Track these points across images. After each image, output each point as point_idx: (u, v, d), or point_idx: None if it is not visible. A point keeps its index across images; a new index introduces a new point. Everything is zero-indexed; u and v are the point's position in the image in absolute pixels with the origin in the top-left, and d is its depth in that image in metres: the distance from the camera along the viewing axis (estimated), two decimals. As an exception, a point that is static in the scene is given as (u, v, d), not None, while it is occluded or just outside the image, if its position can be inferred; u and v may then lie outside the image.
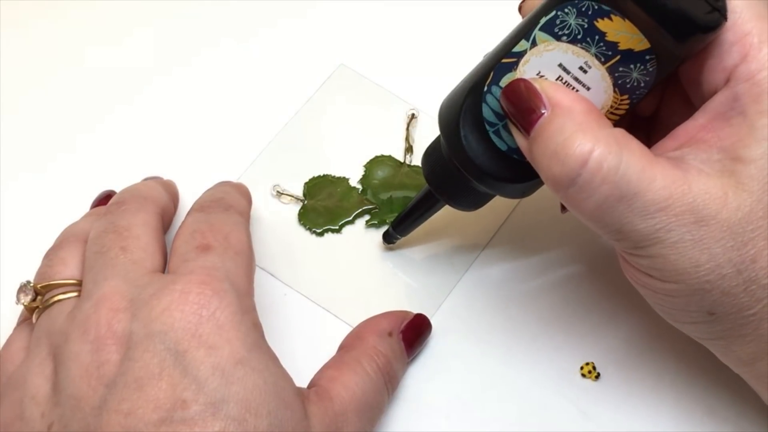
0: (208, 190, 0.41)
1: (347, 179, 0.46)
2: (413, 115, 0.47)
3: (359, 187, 0.46)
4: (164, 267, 0.36)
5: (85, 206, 0.43)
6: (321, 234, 0.44)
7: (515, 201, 0.45)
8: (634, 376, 0.40)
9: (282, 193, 0.45)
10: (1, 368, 0.35)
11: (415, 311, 0.41)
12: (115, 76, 0.48)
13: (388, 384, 0.38)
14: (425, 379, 0.41)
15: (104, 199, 0.42)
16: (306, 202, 0.45)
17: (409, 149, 0.46)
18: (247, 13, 0.51)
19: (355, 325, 0.41)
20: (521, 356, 0.41)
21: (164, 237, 0.38)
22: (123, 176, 0.44)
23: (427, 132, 0.47)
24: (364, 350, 0.38)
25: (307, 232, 0.44)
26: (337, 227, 0.44)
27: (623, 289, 0.42)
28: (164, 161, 0.46)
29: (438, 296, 0.43)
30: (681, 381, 0.40)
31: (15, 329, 0.37)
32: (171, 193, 0.42)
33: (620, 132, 0.32)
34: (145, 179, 0.44)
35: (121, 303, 0.33)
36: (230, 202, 0.39)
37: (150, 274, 0.34)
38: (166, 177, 0.45)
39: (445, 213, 0.45)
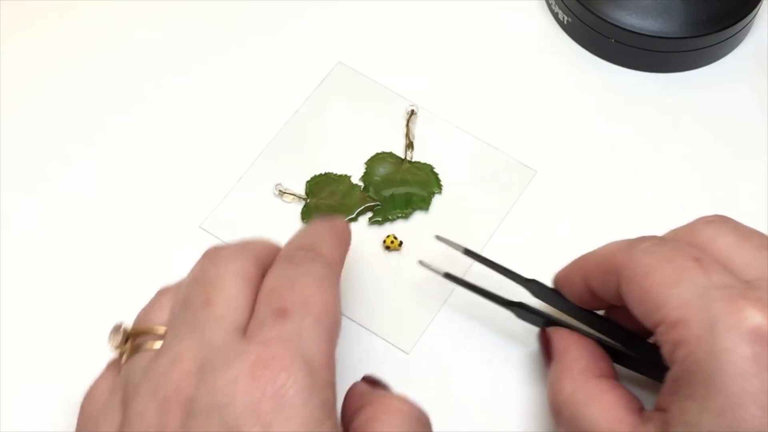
0: (302, 230, 0.38)
1: (349, 177, 0.46)
2: (413, 111, 0.47)
3: (361, 184, 0.46)
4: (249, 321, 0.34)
5: (79, 216, 0.44)
6: (324, 232, 0.44)
7: (513, 200, 0.45)
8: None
9: (284, 192, 0.45)
10: (85, 406, 0.35)
11: (419, 307, 0.42)
12: (114, 80, 0.49)
13: None
14: (425, 378, 0.41)
15: None
16: (308, 200, 0.45)
17: (409, 145, 0.46)
18: (245, 13, 0.51)
19: (358, 321, 0.41)
20: (522, 355, 0.41)
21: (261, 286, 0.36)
22: (122, 176, 0.44)
23: (427, 128, 0.47)
24: None
25: (310, 231, 0.44)
26: (340, 225, 0.44)
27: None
28: (164, 164, 0.46)
29: (442, 292, 0.43)
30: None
31: (107, 366, 0.36)
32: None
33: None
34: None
35: (193, 365, 0.32)
36: (321, 250, 0.36)
37: (227, 334, 0.33)
38: (166, 180, 0.46)
39: (447, 211, 0.45)
